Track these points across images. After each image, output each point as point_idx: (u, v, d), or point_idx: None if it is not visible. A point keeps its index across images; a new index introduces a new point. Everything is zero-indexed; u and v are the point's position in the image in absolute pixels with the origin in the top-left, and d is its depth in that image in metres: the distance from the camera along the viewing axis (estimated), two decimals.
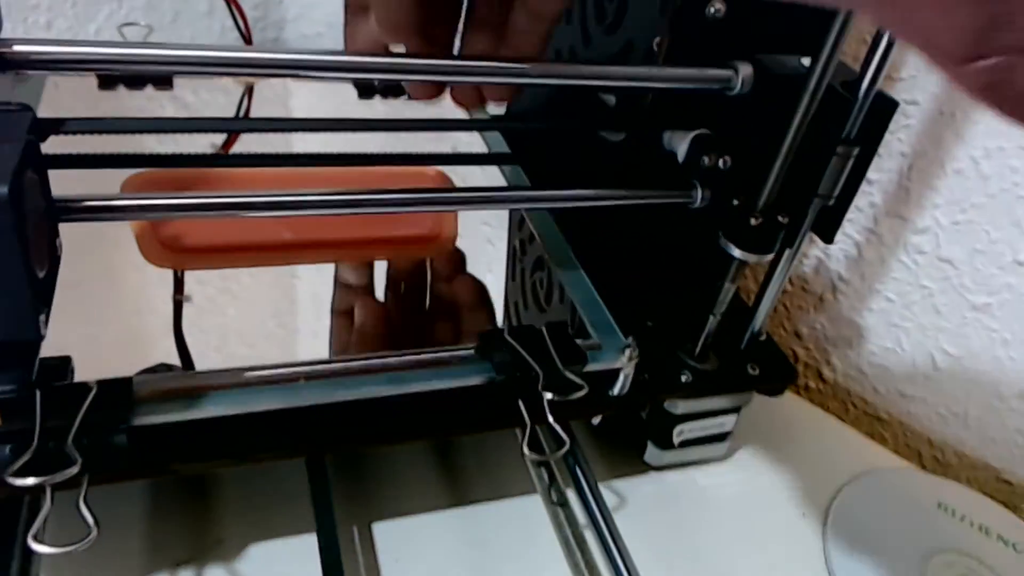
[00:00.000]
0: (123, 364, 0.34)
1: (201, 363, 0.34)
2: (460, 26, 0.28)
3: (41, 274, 0.23)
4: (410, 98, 0.32)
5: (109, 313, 0.36)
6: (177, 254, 0.32)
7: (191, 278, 0.36)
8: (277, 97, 0.52)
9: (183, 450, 0.27)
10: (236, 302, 0.39)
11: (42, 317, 0.23)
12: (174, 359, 0.35)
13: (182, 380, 0.28)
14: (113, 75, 0.40)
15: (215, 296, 0.38)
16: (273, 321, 0.40)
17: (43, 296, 0.23)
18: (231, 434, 0.27)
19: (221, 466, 0.28)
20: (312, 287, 0.42)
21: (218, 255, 0.32)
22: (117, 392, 0.26)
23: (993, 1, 0.13)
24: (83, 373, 0.27)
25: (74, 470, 0.23)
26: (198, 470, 0.28)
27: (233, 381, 0.28)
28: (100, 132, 0.27)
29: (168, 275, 0.33)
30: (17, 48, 0.23)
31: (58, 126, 0.26)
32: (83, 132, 0.26)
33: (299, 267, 0.38)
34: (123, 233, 0.35)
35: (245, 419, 0.27)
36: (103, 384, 0.26)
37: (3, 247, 0.20)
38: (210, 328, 0.36)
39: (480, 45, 0.28)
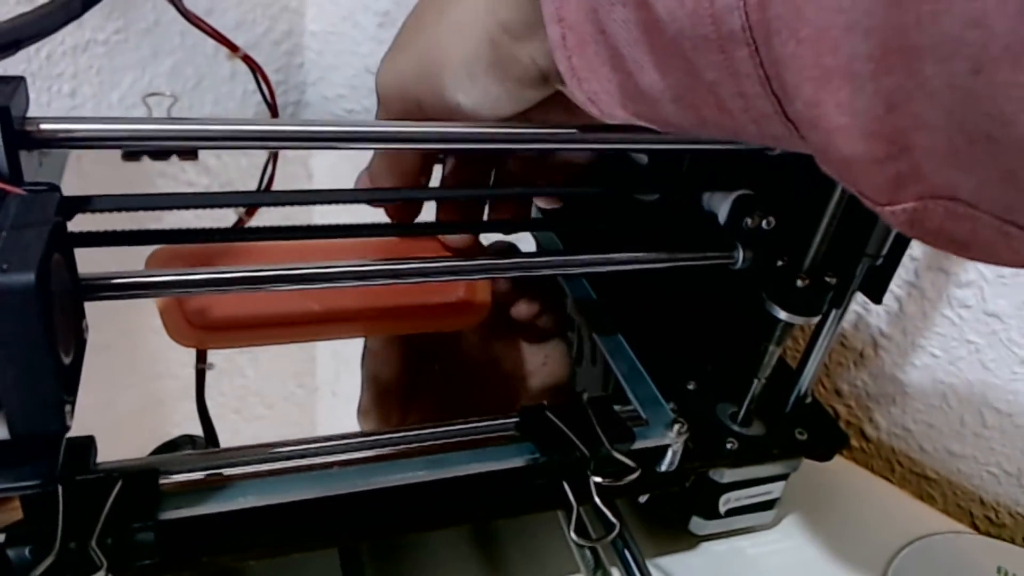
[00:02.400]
0: (143, 430, 0.33)
1: (221, 425, 0.33)
2: None
3: (67, 360, 0.22)
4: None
5: (128, 378, 0.35)
6: (204, 332, 0.31)
7: None
8: (299, 158, 0.52)
9: (212, 544, 0.25)
10: (255, 363, 0.38)
11: (68, 407, 0.21)
12: (194, 424, 0.33)
13: (209, 464, 0.27)
14: (138, 149, 0.39)
15: (234, 356, 0.37)
16: (293, 381, 0.39)
17: (69, 384, 0.22)
18: (263, 526, 0.26)
19: (252, 558, 0.26)
20: (332, 345, 0.41)
21: (246, 332, 0.31)
22: (143, 485, 0.24)
23: (902, 161, 0.16)
24: (102, 442, 0.26)
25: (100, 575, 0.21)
26: (227, 564, 0.26)
27: (263, 466, 0.27)
28: (127, 210, 0.26)
29: None
30: (44, 127, 0.23)
31: (84, 204, 0.25)
32: (109, 210, 0.26)
33: None
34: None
35: (277, 510, 0.25)
36: (128, 476, 0.24)
37: (30, 337, 0.19)
38: (229, 390, 0.35)
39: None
